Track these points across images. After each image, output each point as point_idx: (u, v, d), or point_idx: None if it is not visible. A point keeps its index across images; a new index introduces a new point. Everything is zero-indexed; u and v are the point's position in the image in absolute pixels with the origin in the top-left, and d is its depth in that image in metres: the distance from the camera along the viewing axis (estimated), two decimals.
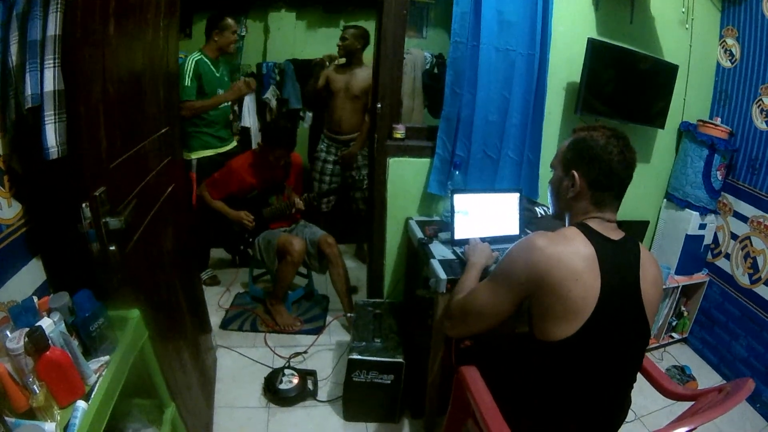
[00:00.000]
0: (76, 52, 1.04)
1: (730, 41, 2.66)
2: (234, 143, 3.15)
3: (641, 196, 2.86)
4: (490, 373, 1.43)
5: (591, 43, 2.27)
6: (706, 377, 2.70)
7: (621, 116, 2.49)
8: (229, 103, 3.04)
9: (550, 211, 1.48)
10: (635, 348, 1.28)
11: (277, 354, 2.46)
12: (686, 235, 2.74)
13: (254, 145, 3.47)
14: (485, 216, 2.11)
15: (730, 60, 2.68)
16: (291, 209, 2.74)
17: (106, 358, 1.13)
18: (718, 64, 2.75)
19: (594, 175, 1.25)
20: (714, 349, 2.80)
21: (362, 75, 3.18)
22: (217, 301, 2.85)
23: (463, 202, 2.07)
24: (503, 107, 2.31)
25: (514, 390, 1.34)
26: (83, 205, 1.07)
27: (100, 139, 1.13)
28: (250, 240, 2.71)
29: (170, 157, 1.76)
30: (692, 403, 1.32)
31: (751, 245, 2.56)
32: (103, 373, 1.09)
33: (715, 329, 2.79)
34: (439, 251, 2.02)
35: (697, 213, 2.68)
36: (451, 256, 1.98)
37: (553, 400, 1.24)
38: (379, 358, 2.01)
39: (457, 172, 2.32)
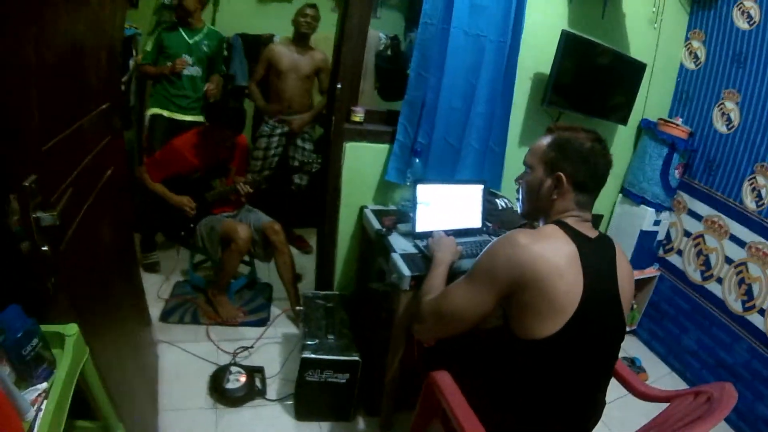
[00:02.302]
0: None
1: (695, 44, 2.68)
2: (194, 117, 3.00)
3: None
4: (463, 375, 1.36)
5: (565, 35, 2.20)
6: (655, 368, 2.77)
7: (587, 111, 2.46)
8: (198, 72, 2.97)
9: (519, 209, 1.42)
10: (613, 343, 1.28)
11: (221, 349, 2.29)
12: (641, 230, 2.76)
13: None
14: (448, 208, 2.02)
15: (695, 62, 2.70)
16: (235, 193, 2.56)
17: (44, 385, 0.93)
18: (682, 65, 2.78)
19: (580, 177, 1.25)
20: (662, 341, 2.86)
21: (314, 55, 3.09)
22: (156, 291, 2.63)
23: (425, 193, 1.96)
24: (469, 94, 2.21)
25: (494, 392, 1.28)
26: (11, 197, 0.88)
27: (32, 115, 0.92)
28: (192, 226, 2.51)
29: (110, 136, 1.55)
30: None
31: (704, 243, 2.61)
32: (43, 406, 0.88)
33: (664, 322, 2.84)
34: (400, 244, 1.91)
35: (653, 209, 2.71)
36: (413, 250, 1.87)
37: (537, 398, 1.21)
38: (334, 357, 1.89)
39: (417, 160, 2.21)
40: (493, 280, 1.19)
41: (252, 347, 2.33)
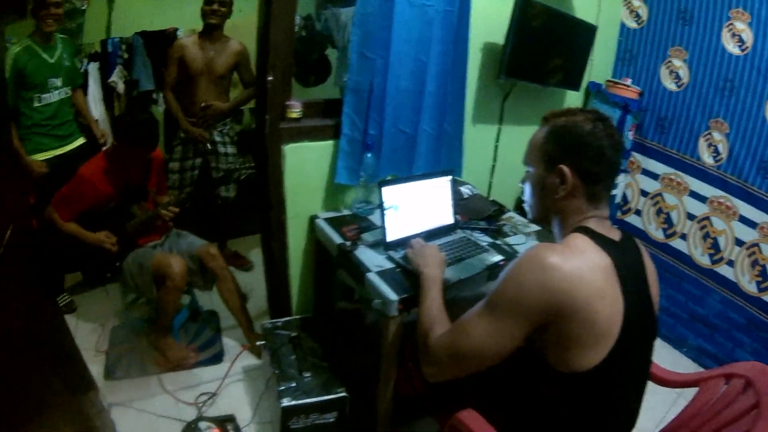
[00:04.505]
0: None
1: (636, 3, 2.63)
2: (80, 140, 2.55)
3: None
4: (488, 410, 1.18)
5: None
6: None
7: (542, 81, 2.32)
8: (68, 92, 2.43)
9: (529, 215, 1.24)
10: (651, 353, 1.18)
11: (181, 401, 1.99)
12: None
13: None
14: (418, 208, 1.80)
15: (636, 21, 2.64)
16: (159, 218, 2.22)
17: None
18: (623, 25, 2.72)
19: (586, 166, 1.08)
20: None
21: (228, 50, 2.68)
22: (93, 344, 2.25)
23: (392, 195, 1.72)
24: (419, 73, 1.98)
25: (534, 428, 1.15)
26: None
27: None
28: (117, 264, 2.14)
29: None
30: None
31: (663, 201, 2.59)
32: None
33: None
34: (372, 260, 1.66)
35: None
36: (389, 264, 1.64)
37: (583, 427, 1.08)
38: (316, 399, 1.66)
39: (369, 155, 1.95)
40: (522, 312, 1.01)
41: (216, 393, 2.04)
